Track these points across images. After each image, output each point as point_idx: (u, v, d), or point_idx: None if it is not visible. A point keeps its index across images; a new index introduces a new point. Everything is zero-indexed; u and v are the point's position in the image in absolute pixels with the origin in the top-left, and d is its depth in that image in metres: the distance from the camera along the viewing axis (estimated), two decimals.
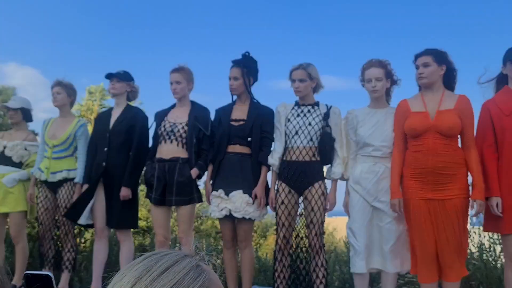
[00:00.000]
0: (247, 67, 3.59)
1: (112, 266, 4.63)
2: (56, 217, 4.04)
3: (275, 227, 3.65)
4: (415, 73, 3.24)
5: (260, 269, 5.09)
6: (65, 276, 3.98)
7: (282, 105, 3.61)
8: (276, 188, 3.53)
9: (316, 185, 3.42)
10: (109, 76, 3.86)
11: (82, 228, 6.10)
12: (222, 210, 3.44)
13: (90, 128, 4.29)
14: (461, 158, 3.08)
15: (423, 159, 3.07)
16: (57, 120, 4.11)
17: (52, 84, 4.08)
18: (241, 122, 3.54)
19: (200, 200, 3.68)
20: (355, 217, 3.35)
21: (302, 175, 3.41)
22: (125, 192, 3.68)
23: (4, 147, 4.05)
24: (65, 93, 4.08)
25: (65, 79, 4.12)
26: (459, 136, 3.14)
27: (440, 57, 3.14)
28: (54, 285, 1.22)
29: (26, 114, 4.22)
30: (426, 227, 3.05)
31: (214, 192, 3.50)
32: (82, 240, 5.56)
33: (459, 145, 3.15)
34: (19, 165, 4.07)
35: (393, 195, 3.17)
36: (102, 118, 3.99)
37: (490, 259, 4.12)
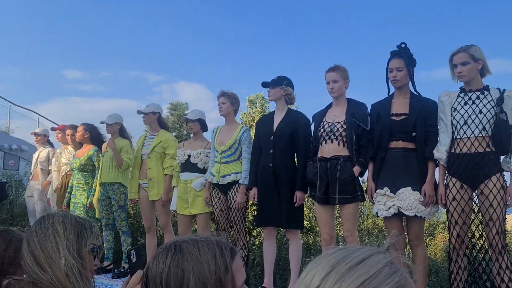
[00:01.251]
0: (408, 58, 3.43)
1: (282, 263, 4.85)
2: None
3: (442, 225, 3.41)
4: None
5: (431, 269, 4.79)
6: None
7: (445, 94, 3.36)
8: (445, 183, 3.29)
9: (494, 178, 3.10)
10: (264, 85, 4.07)
11: (251, 227, 6.55)
12: (389, 208, 3.33)
13: (252, 133, 4.56)
14: None
15: None
16: (224, 128, 4.45)
17: (217, 95, 4.46)
18: (403, 117, 3.38)
19: (364, 199, 3.62)
20: None
21: (475, 168, 3.13)
22: (301, 195, 3.81)
23: (189, 156, 4.57)
24: (229, 103, 4.40)
25: (229, 90, 4.46)
26: None
27: None
28: None
29: (202, 125, 4.69)
30: None
31: (379, 190, 3.41)
32: (252, 238, 5.94)
33: None
34: (203, 171, 4.52)
35: None
36: (264, 122, 4.18)
37: None
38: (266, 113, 7.37)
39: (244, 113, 7.61)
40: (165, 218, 4.84)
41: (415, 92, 3.49)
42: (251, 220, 6.59)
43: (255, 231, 6.22)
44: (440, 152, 3.27)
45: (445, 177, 3.31)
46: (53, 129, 6.62)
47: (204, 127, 4.72)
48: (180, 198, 4.53)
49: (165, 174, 4.77)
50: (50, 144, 6.75)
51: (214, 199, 4.36)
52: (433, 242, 7.81)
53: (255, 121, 5.27)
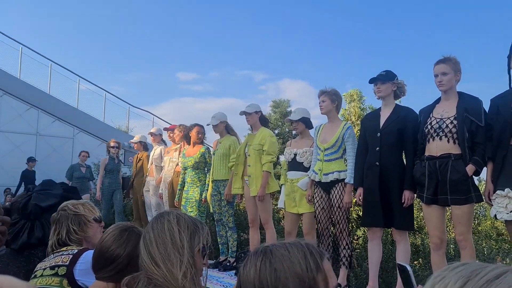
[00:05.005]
0: None
1: (385, 265, 4.67)
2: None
3: None
4: None
5: None
6: (342, 272, 4.21)
7: None
8: None
9: None
10: (372, 81, 3.88)
11: (355, 226, 6.41)
12: (511, 212, 3.02)
13: (355, 130, 4.44)
14: None
15: None
16: (326, 125, 4.38)
17: (318, 94, 4.40)
18: None
19: (480, 200, 3.32)
20: None
21: None
22: (410, 195, 3.62)
23: (295, 155, 4.60)
24: (329, 100, 4.31)
25: (329, 87, 4.38)
26: None
27: None
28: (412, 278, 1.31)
29: (306, 123, 4.68)
30: None
31: (499, 192, 3.10)
32: (355, 238, 5.79)
33: None
34: (309, 169, 4.48)
35: None
36: (371, 118, 4.01)
37: None
38: (366, 107, 7.11)
39: (344, 109, 7.42)
40: (265, 214, 4.86)
41: None
42: (355, 219, 6.43)
43: (359, 231, 6.06)
44: None
45: None
46: (165, 129, 7.11)
47: (308, 125, 4.69)
48: (288, 197, 4.57)
49: (263, 170, 4.79)
50: (164, 143, 7.27)
51: (316, 197, 4.31)
52: None
53: (356, 118, 5.11)
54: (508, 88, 3.23)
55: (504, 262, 4.89)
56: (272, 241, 4.22)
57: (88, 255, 2.11)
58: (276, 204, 5.76)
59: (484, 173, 3.34)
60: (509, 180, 3.06)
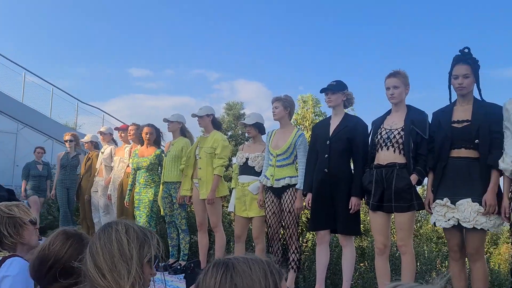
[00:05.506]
0: (474, 63, 3.26)
1: (333, 268, 4.80)
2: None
3: (507, 234, 3.21)
4: None
5: (493, 282, 4.55)
6: (291, 276, 4.30)
7: (511, 102, 3.15)
8: (510, 196, 3.10)
9: None
10: (323, 91, 4.00)
11: (305, 229, 6.54)
12: (449, 220, 3.20)
13: (306, 135, 4.53)
14: None
15: None
16: (279, 131, 4.46)
17: (271, 100, 4.47)
18: (465, 124, 3.22)
19: (421, 208, 3.50)
20: None
21: None
22: (356, 201, 3.74)
23: (247, 159, 4.63)
24: (282, 107, 4.39)
25: (283, 93, 4.46)
26: None
27: None
28: None
29: (260, 128, 4.72)
30: None
31: (438, 201, 3.28)
32: (304, 241, 5.91)
33: None
34: (260, 174, 4.52)
35: None
36: (321, 126, 4.13)
37: None
38: (318, 113, 7.26)
39: (297, 114, 7.50)
40: (215, 217, 4.87)
41: (479, 98, 3.32)
42: (304, 222, 6.56)
43: (308, 234, 6.19)
44: (506, 163, 3.07)
45: (511, 190, 3.11)
46: (116, 128, 6.93)
47: (262, 130, 4.74)
48: (238, 200, 4.60)
49: (214, 174, 4.79)
50: (114, 142, 7.07)
51: (267, 202, 4.38)
52: (497, 252, 7.34)
53: (309, 123, 5.23)
54: (449, 103, 3.42)
55: (443, 264, 5.15)
56: (221, 244, 4.25)
57: (10, 263, 2.00)
58: (227, 207, 5.78)
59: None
60: (448, 190, 3.24)
